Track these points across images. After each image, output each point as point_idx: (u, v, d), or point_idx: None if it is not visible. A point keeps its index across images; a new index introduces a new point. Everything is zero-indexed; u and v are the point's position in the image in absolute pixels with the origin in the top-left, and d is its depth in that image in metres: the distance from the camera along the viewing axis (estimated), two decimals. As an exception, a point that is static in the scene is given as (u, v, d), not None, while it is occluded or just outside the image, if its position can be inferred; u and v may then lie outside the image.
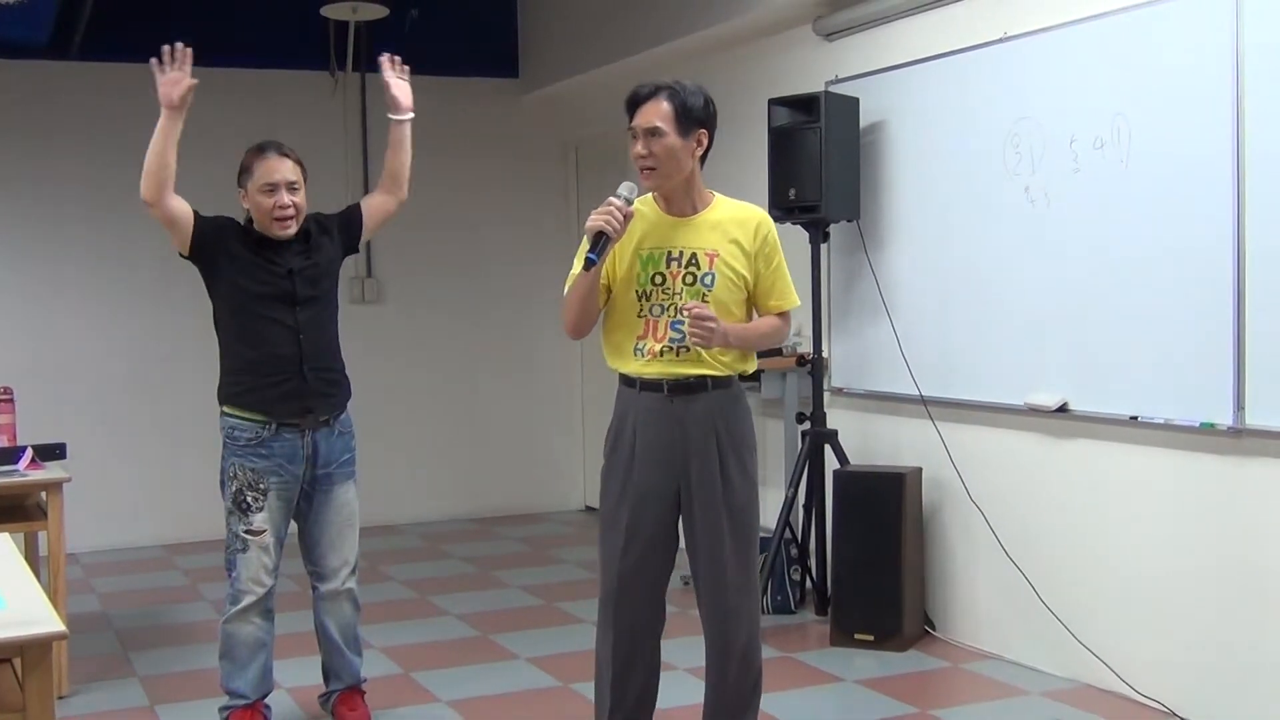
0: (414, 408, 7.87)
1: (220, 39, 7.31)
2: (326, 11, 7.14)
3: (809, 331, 5.49)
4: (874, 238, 5.35)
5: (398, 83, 4.10)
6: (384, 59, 4.11)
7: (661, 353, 3.34)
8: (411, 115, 4.13)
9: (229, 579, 3.96)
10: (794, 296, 3.47)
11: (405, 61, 4.12)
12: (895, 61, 5.21)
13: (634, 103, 3.34)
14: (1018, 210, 4.66)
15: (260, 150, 3.93)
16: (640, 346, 3.36)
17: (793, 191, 5.18)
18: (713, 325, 3.23)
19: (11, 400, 4.77)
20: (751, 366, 3.47)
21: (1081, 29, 4.39)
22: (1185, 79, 4.04)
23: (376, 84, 4.24)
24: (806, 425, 5.45)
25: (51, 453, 4.66)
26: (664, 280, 3.33)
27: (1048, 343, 4.57)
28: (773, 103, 5.31)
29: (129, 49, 7.07)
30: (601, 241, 3.24)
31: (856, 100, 5.30)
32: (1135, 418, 4.25)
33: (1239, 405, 3.90)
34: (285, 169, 3.90)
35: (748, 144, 5.59)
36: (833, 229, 5.37)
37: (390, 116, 4.13)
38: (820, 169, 5.11)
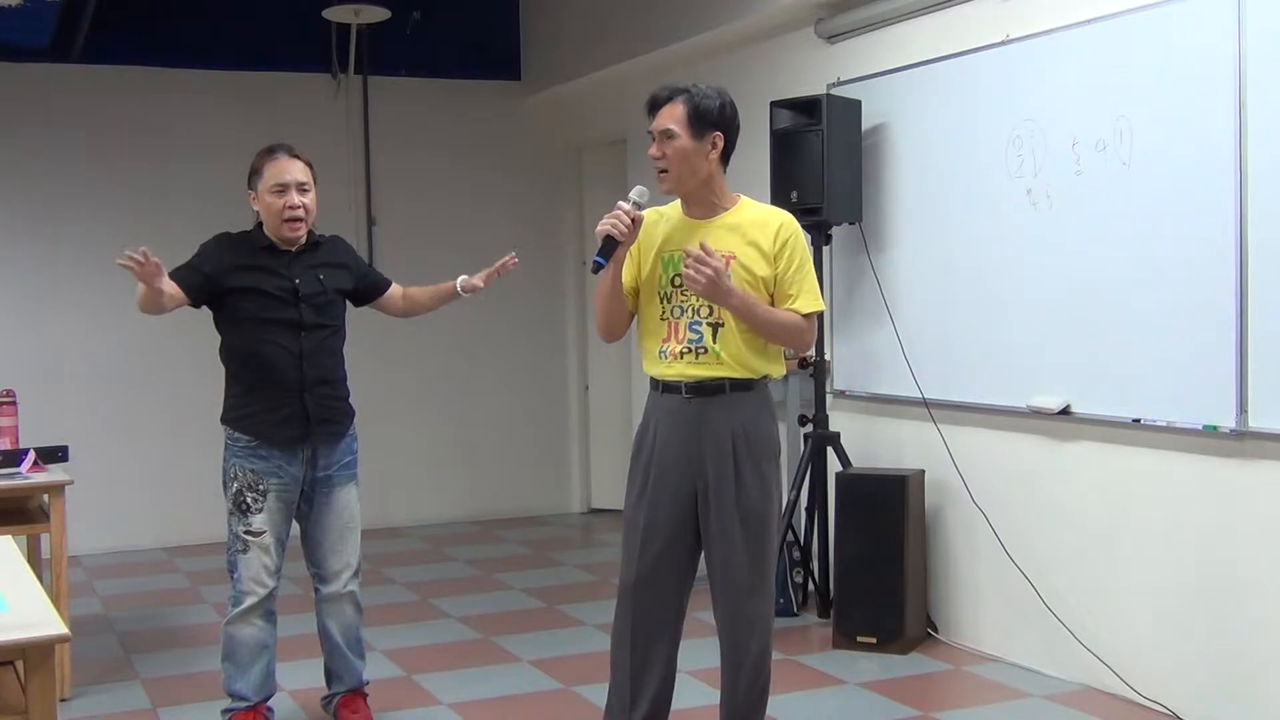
0: (415, 410, 7.87)
1: (222, 42, 7.34)
2: (328, 14, 7.14)
3: (811, 334, 5.49)
4: (876, 240, 5.34)
5: (490, 278, 4.25)
6: (508, 261, 4.24)
7: (681, 354, 3.35)
8: (469, 295, 4.29)
9: (231, 580, 3.97)
10: (817, 300, 3.40)
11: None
12: (897, 64, 5.21)
13: (653, 106, 3.37)
14: (1020, 212, 4.66)
15: (270, 152, 3.96)
16: (664, 349, 3.38)
17: (795, 194, 5.18)
18: (713, 268, 3.16)
19: (14, 403, 4.77)
20: (777, 370, 3.44)
21: (1084, 31, 4.39)
22: (1187, 81, 4.03)
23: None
24: (809, 428, 5.45)
25: (54, 455, 4.67)
26: (682, 282, 3.34)
27: (1050, 345, 4.57)
28: (775, 105, 5.31)
29: (130, 52, 7.15)
30: (609, 246, 3.28)
31: (859, 103, 5.30)
32: (1138, 420, 4.25)
33: (1242, 408, 3.89)
34: (295, 170, 3.93)
35: (749, 147, 5.52)
36: (835, 232, 5.37)
37: (459, 285, 4.26)
38: (822, 172, 5.11)
